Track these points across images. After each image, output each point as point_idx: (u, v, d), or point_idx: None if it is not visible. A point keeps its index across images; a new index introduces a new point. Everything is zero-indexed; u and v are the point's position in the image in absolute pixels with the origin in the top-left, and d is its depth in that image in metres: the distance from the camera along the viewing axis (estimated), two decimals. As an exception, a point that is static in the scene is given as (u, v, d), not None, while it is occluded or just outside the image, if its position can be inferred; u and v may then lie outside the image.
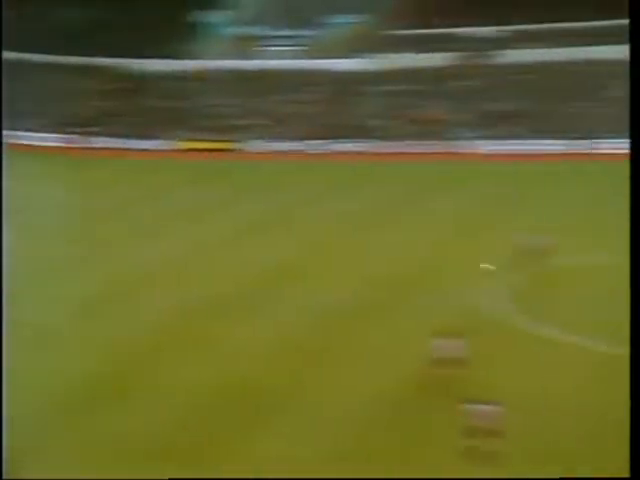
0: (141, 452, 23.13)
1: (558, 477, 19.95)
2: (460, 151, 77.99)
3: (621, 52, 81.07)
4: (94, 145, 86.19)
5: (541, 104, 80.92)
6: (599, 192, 56.91)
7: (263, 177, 71.42)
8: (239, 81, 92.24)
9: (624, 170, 57.68)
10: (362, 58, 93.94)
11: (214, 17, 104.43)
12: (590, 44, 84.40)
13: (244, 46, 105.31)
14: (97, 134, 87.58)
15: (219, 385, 27.52)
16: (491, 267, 39.08)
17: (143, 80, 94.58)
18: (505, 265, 39.54)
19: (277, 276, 40.09)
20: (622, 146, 72.06)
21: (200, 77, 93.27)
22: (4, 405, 21.46)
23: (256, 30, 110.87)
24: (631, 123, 17.13)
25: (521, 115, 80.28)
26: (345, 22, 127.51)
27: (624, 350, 27.71)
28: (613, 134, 75.00)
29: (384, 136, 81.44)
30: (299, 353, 30.52)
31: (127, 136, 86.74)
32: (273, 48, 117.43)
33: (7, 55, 72.83)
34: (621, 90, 79.67)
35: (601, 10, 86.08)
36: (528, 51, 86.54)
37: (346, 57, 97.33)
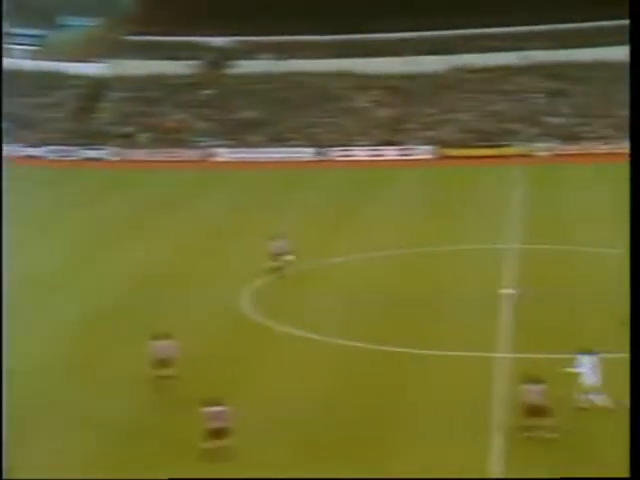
0: None
1: (558, 477, 20.46)
2: (202, 159, 79.47)
3: (364, 65, 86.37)
4: None
5: (279, 113, 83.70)
6: (336, 196, 60.28)
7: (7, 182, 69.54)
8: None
9: (359, 175, 60.91)
10: (100, 63, 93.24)
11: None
12: (334, 57, 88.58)
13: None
14: None
15: None
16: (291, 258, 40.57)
17: None
18: (252, 268, 41.37)
19: (33, 284, 39.88)
20: (353, 153, 77.41)
21: None
22: (4, 405, 20.72)
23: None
24: (631, 123, 17.23)
25: (260, 124, 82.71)
26: (82, 24, 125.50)
27: (365, 345, 30.75)
28: (347, 143, 79.29)
29: (127, 144, 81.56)
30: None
31: None
32: (9, 46, 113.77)
33: None
34: (360, 101, 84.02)
35: (342, 24, 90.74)
36: (265, 62, 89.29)
37: (84, 61, 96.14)
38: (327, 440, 24.47)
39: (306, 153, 78.83)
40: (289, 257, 40.70)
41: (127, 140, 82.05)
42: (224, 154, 79.77)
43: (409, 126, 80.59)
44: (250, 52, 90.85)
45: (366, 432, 24.92)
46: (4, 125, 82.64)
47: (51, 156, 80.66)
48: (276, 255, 40.72)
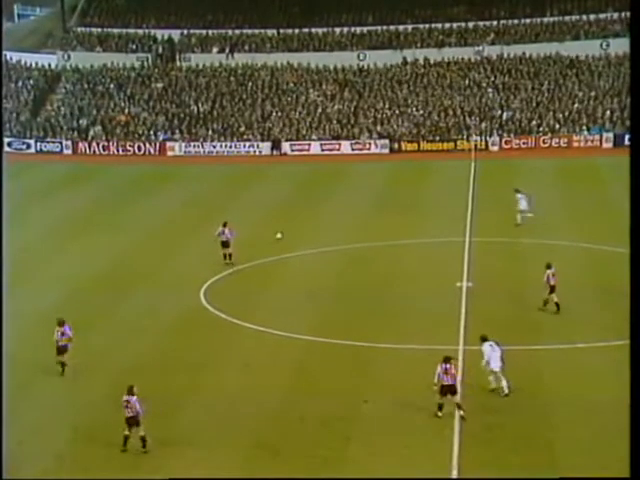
0: None
1: (558, 477, 20.88)
2: (155, 153, 79.01)
3: (316, 59, 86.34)
4: None
5: (232, 108, 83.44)
6: (290, 191, 60.32)
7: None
8: None
9: (313, 169, 60.84)
10: (51, 54, 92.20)
11: None
12: (286, 50, 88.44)
13: None
14: None
15: None
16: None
17: None
18: (207, 262, 41.45)
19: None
20: (307, 147, 77.39)
21: None
22: (4, 405, 20.46)
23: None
24: (631, 123, 17.43)
25: (213, 118, 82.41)
26: (33, 14, 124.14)
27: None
28: (300, 137, 79.29)
29: (80, 137, 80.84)
30: None
31: None
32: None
33: None
34: (313, 96, 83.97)
35: (295, 18, 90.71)
36: (216, 55, 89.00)
37: (36, 52, 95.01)
38: (285, 437, 24.57)
39: (260, 147, 78.68)
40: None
41: (80, 133, 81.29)
42: (177, 148, 79.35)
43: (363, 120, 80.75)
44: (201, 45, 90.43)
45: (324, 428, 25.03)
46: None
47: (8, 149, 79.53)
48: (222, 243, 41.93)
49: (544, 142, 76.29)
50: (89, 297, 37.85)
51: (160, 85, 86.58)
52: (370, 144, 78.07)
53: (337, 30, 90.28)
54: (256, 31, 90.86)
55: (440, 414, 25.08)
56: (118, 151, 79.27)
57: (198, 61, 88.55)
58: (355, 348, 30.88)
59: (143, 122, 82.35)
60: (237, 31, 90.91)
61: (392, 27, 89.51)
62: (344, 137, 79.03)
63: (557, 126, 77.49)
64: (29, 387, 28.35)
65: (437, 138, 78.00)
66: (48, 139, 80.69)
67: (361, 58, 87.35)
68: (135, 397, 23.62)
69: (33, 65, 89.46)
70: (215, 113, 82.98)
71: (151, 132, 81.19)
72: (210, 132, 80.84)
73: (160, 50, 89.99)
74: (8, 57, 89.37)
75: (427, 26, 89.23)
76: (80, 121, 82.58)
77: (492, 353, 26.67)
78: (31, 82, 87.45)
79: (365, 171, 69.03)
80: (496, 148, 76.69)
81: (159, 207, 56.50)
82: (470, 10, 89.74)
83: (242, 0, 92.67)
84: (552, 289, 33.66)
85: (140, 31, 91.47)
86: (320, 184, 63.81)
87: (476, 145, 74.73)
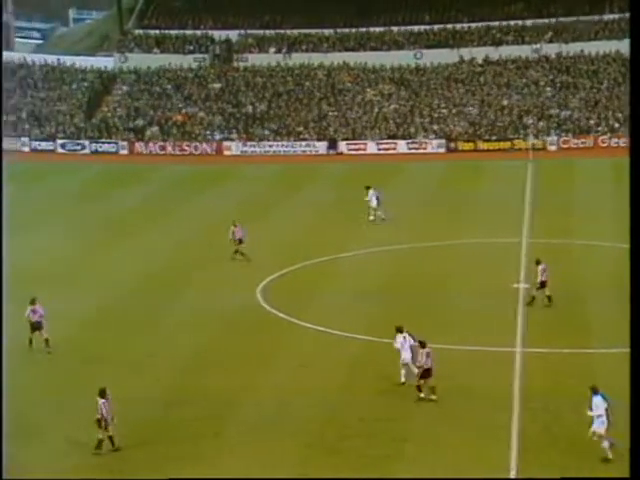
0: None
1: (559, 477, 21.00)
2: (212, 153, 79.32)
3: (373, 58, 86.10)
4: None
5: (288, 107, 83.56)
6: (346, 190, 60.30)
7: (19, 177, 69.53)
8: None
9: (369, 169, 60.53)
10: (109, 56, 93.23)
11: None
12: (343, 50, 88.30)
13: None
14: None
15: None
16: None
17: None
18: (263, 261, 41.66)
19: (29, 280, 39.59)
20: (363, 147, 77.33)
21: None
22: (4, 405, 20.91)
23: (6, 18, 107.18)
24: (631, 123, 17.51)
25: (269, 117, 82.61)
26: (89, 18, 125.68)
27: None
28: (357, 137, 79.24)
29: (136, 137, 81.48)
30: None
31: None
32: (23, 39, 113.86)
33: None
34: (370, 95, 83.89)
35: (352, 17, 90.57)
36: (274, 55, 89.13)
37: (93, 54, 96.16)
38: (342, 436, 24.54)
39: (316, 147, 78.75)
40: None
41: (137, 134, 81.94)
42: (233, 148, 79.67)
43: (419, 119, 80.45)
44: (258, 45, 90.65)
45: (381, 427, 24.97)
46: (13, 119, 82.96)
47: (61, 150, 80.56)
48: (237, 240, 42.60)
49: (603, 142, 75.38)
50: (145, 295, 38.17)
51: (217, 85, 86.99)
52: (426, 143, 77.75)
53: (394, 29, 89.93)
54: (313, 31, 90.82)
55: (422, 395, 26.18)
56: (175, 151, 79.75)
57: (255, 61, 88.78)
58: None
59: (200, 122, 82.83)
60: (294, 31, 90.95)
61: (449, 25, 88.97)
62: (400, 136, 78.80)
63: (616, 125, 76.49)
64: (82, 383, 28.55)
65: (494, 137, 77.45)
66: (103, 140, 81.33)
67: (418, 57, 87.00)
68: (107, 400, 23.81)
69: (88, 68, 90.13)
70: (272, 113, 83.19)
71: (208, 132, 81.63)
72: (266, 132, 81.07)
73: (217, 50, 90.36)
74: (62, 60, 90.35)
75: (484, 24, 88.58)
76: (137, 122, 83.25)
77: (405, 344, 27.41)
78: (85, 84, 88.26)
79: (421, 171, 68.76)
80: (554, 148, 75.93)
81: (215, 206, 56.71)
82: (528, 8, 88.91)
83: (299, 0, 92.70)
84: (543, 284, 34.42)
85: (198, 32, 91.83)
86: (375, 183, 63.46)
87: (533, 145, 74.01)
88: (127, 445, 24.05)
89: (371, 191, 50.22)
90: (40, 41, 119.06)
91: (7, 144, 79.54)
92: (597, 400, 23.12)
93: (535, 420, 24.70)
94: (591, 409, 22.89)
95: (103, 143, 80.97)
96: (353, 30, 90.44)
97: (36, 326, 30.90)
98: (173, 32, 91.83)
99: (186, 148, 79.80)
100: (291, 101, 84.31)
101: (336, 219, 51.47)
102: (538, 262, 34.84)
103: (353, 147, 78.37)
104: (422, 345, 26.60)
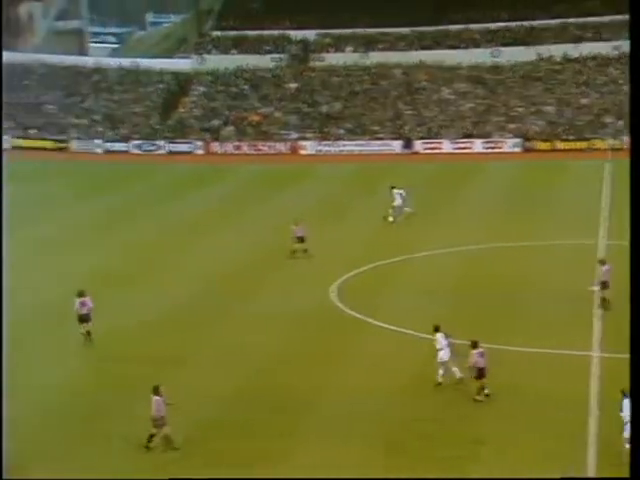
0: None
1: (559, 477, 20.88)
2: (287, 152, 79.58)
3: (449, 57, 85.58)
4: None
5: (364, 106, 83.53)
6: (422, 190, 59.91)
7: (94, 178, 70.76)
8: (67, 77, 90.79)
9: (444, 168, 60.04)
10: (185, 58, 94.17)
11: (37, 9, 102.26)
12: (419, 48, 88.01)
13: (69, 41, 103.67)
14: None
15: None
16: None
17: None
18: (338, 260, 41.72)
19: (106, 279, 40.39)
20: (439, 146, 76.96)
21: (27, 71, 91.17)
22: (4, 406, 21.42)
23: (81, 25, 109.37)
24: (631, 123, 17.59)
25: (345, 117, 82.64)
26: (166, 21, 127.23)
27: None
28: (432, 136, 78.88)
29: (212, 137, 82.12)
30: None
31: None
32: (98, 44, 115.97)
33: None
34: (446, 93, 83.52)
35: (428, 15, 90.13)
36: (350, 54, 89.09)
37: (169, 57, 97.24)
38: (414, 437, 24.45)
39: (391, 146, 78.54)
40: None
41: (212, 134, 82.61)
42: (308, 147, 79.88)
43: (495, 118, 79.73)
44: (335, 45, 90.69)
45: (454, 428, 24.82)
46: (85, 122, 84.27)
47: (136, 151, 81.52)
48: (296, 238, 42.93)
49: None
50: (220, 294, 38.41)
51: (293, 85, 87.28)
52: (502, 143, 77.01)
53: (471, 27, 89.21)
54: (390, 29, 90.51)
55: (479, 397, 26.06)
56: (250, 151, 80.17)
57: (332, 60, 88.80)
58: (490, 350, 30.46)
59: (275, 122, 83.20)
60: (371, 30, 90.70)
61: (526, 23, 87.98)
62: (476, 135, 78.20)
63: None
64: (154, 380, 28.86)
65: (571, 137, 76.39)
66: (179, 140, 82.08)
67: (495, 55, 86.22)
68: (161, 398, 23.81)
69: (164, 70, 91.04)
70: (347, 112, 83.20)
71: (283, 131, 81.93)
72: (342, 131, 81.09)
73: (294, 50, 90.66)
74: (138, 63, 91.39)
75: (562, 21, 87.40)
76: (213, 122, 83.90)
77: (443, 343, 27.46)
78: (161, 86, 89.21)
79: (496, 170, 68.14)
80: (634, 147, 74.46)
81: (290, 206, 56.83)
82: (607, 3, 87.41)
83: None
84: (604, 285, 33.96)
85: (275, 32, 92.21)
86: (450, 183, 63.29)
87: (612, 145, 72.78)
88: (200, 444, 24.20)
89: (395, 190, 50.25)
90: (116, 45, 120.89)
91: (78, 147, 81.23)
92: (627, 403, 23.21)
93: (612, 423, 24.26)
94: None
95: (179, 143, 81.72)
96: (430, 28, 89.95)
97: (84, 318, 31.55)
98: (251, 33, 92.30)
99: (261, 148, 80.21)
100: (367, 100, 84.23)
101: (410, 218, 51.25)
102: (602, 262, 34.49)
103: (428, 146, 77.99)
104: (474, 345, 26.41)
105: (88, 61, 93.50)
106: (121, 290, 38.80)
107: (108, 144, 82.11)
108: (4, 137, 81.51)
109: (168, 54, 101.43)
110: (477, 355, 26.24)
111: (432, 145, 78.02)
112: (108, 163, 76.74)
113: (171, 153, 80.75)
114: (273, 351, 31.38)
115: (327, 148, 79.44)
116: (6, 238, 47.62)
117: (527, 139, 76.77)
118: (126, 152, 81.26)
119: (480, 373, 26.20)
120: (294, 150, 79.79)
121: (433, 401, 26.72)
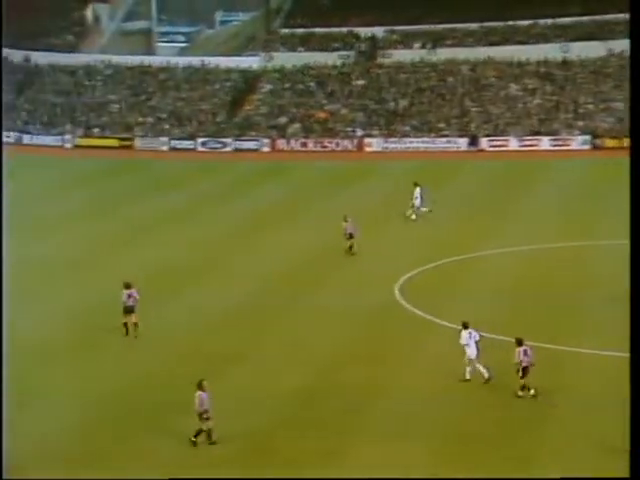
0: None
1: (559, 477, 20.80)
2: (354, 149, 79.53)
3: (517, 53, 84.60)
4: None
5: (430, 103, 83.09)
6: (488, 188, 59.58)
7: (158, 175, 71.42)
8: (132, 77, 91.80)
9: (511, 166, 59.26)
10: (253, 56, 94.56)
11: (104, 11, 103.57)
12: (486, 44, 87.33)
13: (136, 41, 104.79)
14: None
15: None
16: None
17: (35, 73, 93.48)
18: (403, 257, 41.59)
19: (170, 276, 40.81)
20: (505, 143, 76.26)
21: (93, 71, 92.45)
22: (4, 406, 21.81)
23: (149, 25, 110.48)
24: (631, 122, 17.80)
25: (411, 114, 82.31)
26: (235, 19, 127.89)
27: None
28: (499, 133, 78.22)
29: (278, 134, 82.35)
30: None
31: (21, 131, 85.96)
32: (165, 44, 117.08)
33: None
34: (514, 90, 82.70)
35: (496, 11, 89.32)
36: (416, 51, 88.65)
37: (237, 55, 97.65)
38: (476, 437, 24.29)
39: (457, 143, 78.05)
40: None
41: (279, 131, 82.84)
42: (374, 144, 79.70)
43: (564, 115, 78.74)
44: (403, 41, 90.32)
45: (516, 429, 24.59)
46: (151, 120, 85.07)
47: (202, 148, 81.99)
48: (347, 235, 43.23)
49: None
50: (284, 291, 38.52)
51: (360, 82, 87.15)
52: (570, 140, 76.03)
53: (540, 22, 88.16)
54: (458, 25, 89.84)
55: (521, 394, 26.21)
56: (316, 148, 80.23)
57: (399, 57, 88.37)
58: (550, 351, 30.10)
59: (342, 119, 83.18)
60: (439, 26, 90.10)
61: (597, 17, 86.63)
62: (543, 133, 77.32)
63: None
64: (221, 374, 29.07)
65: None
66: (245, 137, 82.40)
67: (564, 50, 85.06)
68: (205, 393, 23.94)
69: (232, 68, 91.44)
70: (414, 109, 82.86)
71: (349, 128, 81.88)
72: (408, 128, 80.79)
73: (362, 47, 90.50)
74: (206, 61, 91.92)
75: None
76: (279, 119, 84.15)
77: (470, 340, 27.56)
78: (229, 84, 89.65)
79: (564, 168, 67.33)
80: None
81: (355, 203, 56.76)
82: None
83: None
84: None
85: (343, 29, 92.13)
86: (516, 181, 62.69)
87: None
88: (264, 440, 24.33)
89: (417, 188, 50.45)
90: (184, 44, 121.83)
91: (142, 144, 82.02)
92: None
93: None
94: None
95: (245, 141, 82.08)
96: (499, 23, 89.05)
97: (129, 309, 32.23)
98: (318, 30, 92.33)
99: (327, 145, 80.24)
100: (434, 97, 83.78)
101: (476, 217, 50.89)
102: None
103: (495, 143, 77.32)
104: (519, 343, 26.41)
105: (155, 60, 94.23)
106: (186, 287, 39.13)
107: (174, 142, 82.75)
108: (67, 136, 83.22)
109: (236, 52, 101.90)
110: (522, 353, 26.21)
111: (498, 142, 77.36)
112: (174, 161, 77.41)
113: (237, 150, 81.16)
114: (336, 349, 31.34)
115: (393, 145, 79.24)
116: (72, 234, 48.57)
117: (596, 136, 75.69)
118: (192, 150, 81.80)
119: (524, 370, 26.18)
120: (360, 147, 79.70)
121: (499, 402, 26.46)
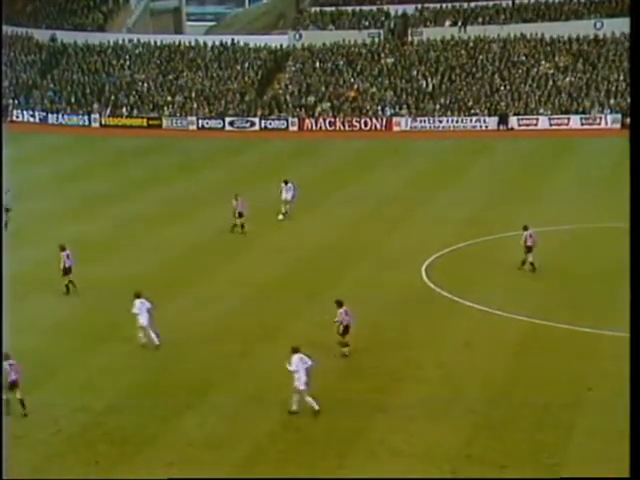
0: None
1: (559, 477, 20.80)
2: (380, 127, 79.18)
3: (549, 30, 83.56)
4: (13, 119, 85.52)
5: (460, 82, 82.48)
6: (518, 167, 59.13)
7: (187, 154, 71.41)
8: (161, 56, 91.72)
9: (541, 145, 58.67)
10: (282, 34, 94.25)
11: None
12: (518, 21, 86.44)
13: (165, 20, 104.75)
14: (14, 107, 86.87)
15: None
16: None
17: (61, 52, 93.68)
18: (432, 238, 41.42)
19: (202, 252, 41.16)
20: (533, 122, 75.61)
21: (121, 51, 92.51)
22: (4, 406, 22.00)
23: (178, 4, 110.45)
24: (631, 121, 17.94)
25: (441, 92, 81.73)
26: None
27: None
28: (529, 112, 77.57)
29: (307, 114, 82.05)
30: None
31: (46, 110, 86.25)
32: (194, 23, 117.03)
33: None
34: (545, 68, 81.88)
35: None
36: (447, 29, 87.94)
37: (266, 33, 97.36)
38: (506, 420, 24.15)
39: (486, 122, 77.47)
40: None
41: (308, 110, 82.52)
42: (403, 123, 79.25)
43: (595, 94, 77.93)
44: (434, 19, 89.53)
45: (546, 414, 24.39)
46: (180, 99, 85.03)
47: (230, 127, 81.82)
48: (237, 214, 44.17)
49: None
50: (316, 266, 38.71)
51: (390, 60, 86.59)
52: (601, 119, 75.27)
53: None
54: (490, 2, 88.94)
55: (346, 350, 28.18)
56: (344, 127, 79.90)
57: (430, 35, 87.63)
58: (579, 333, 29.90)
59: (371, 97, 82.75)
60: (471, 3, 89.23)
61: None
62: (574, 111, 76.57)
63: None
64: (252, 354, 29.06)
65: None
66: (273, 117, 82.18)
67: (598, 27, 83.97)
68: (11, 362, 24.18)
69: (262, 46, 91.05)
70: (443, 87, 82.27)
71: (378, 107, 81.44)
72: (437, 107, 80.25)
73: (392, 25, 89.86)
74: (235, 40, 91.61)
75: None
76: (308, 98, 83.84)
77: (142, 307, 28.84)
78: (258, 62, 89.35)
79: (595, 147, 66.77)
80: None
81: (384, 182, 56.59)
82: None
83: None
84: (529, 249, 36.02)
85: (374, 8, 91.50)
86: (546, 161, 62.18)
87: None
88: (301, 418, 24.40)
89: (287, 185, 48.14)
90: (213, 23, 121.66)
91: (170, 124, 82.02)
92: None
93: None
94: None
95: (273, 120, 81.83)
96: (531, 0, 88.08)
97: (68, 270, 34.36)
98: (349, 8, 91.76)
99: (356, 124, 79.86)
100: (463, 75, 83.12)
101: (505, 196, 50.52)
102: (525, 228, 36.63)
103: (524, 122, 76.70)
104: (339, 305, 28.19)
105: (183, 39, 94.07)
106: (215, 263, 39.25)
107: (202, 121, 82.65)
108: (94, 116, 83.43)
109: (265, 31, 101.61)
110: (343, 313, 28.08)
111: (528, 121, 76.71)
112: (201, 139, 77.31)
113: (265, 129, 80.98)
114: (364, 328, 31.09)
115: (422, 124, 78.77)
116: (103, 214, 48.66)
117: (627, 115, 74.85)
118: (220, 129, 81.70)
119: (345, 330, 28.23)
120: (388, 126, 79.30)
121: (526, 384, 26.32)
